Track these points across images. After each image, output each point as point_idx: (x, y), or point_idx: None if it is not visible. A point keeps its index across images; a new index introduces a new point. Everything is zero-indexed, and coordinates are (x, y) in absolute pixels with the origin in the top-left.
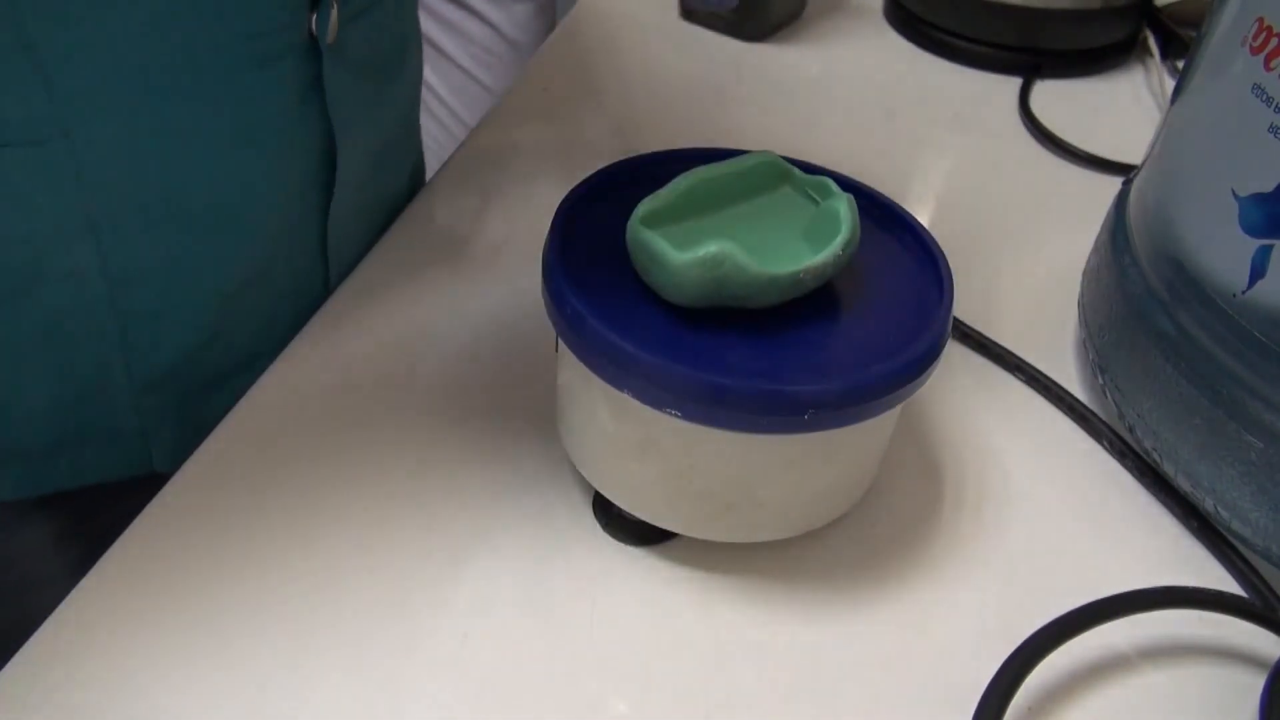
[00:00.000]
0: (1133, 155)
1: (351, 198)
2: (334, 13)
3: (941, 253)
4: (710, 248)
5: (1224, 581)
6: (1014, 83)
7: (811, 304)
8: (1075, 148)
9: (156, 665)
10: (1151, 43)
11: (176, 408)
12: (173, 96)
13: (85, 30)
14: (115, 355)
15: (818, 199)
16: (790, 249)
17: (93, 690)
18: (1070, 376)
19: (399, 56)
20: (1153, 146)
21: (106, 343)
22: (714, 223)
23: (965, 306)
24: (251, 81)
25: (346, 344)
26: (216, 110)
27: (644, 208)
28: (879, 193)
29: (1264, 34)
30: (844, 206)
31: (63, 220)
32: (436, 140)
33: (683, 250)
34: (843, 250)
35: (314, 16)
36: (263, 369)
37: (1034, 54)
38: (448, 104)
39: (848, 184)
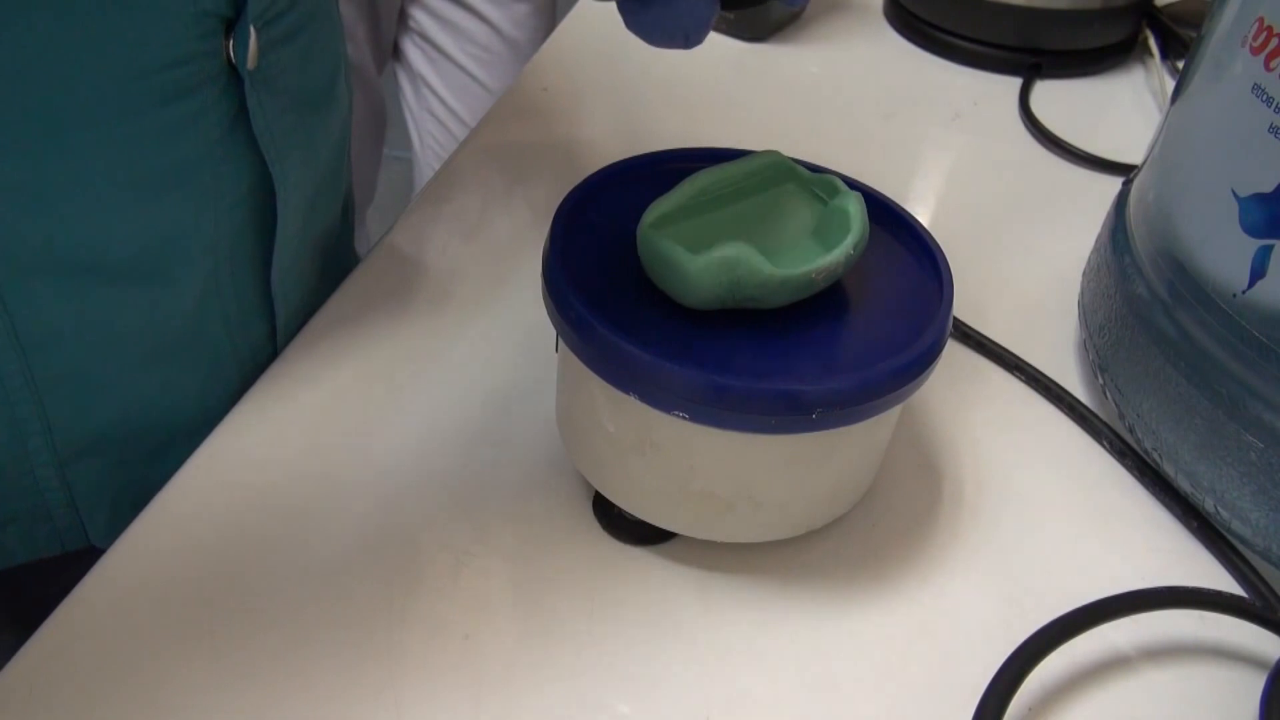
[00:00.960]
0: (1133, 155)
1: (292, 238)
2: (253, 37)
3: (941, 251)
4: (725, 251)
5: (1224, 581)
6: (1014, 83)
7: (812, 304)
8: (1075, 148)
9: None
10: (1151, 43)
11: (111, 479)
12: (80, 138)
13: None
14: (34, 425)
15: (825, 198)
16: (800, 248)
17: None
18: (1070, 376)
19: (329, 85)
20: (1153, 146)
21: (22, 411)
22: (723, 224)
23: (965, 306)
24: (168, 116)
25: (337, 356)
26: (131, 150)
27: (654, 211)
28: (879, 192)
29: (1264, 34)
30: (853, 205)
31: None
32: (436, 140)
33: (695, 253)
34: (854, 249)
35: (230, 42)
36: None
37: (1034, 54)
38: (448, 104)
39: (848, 184)
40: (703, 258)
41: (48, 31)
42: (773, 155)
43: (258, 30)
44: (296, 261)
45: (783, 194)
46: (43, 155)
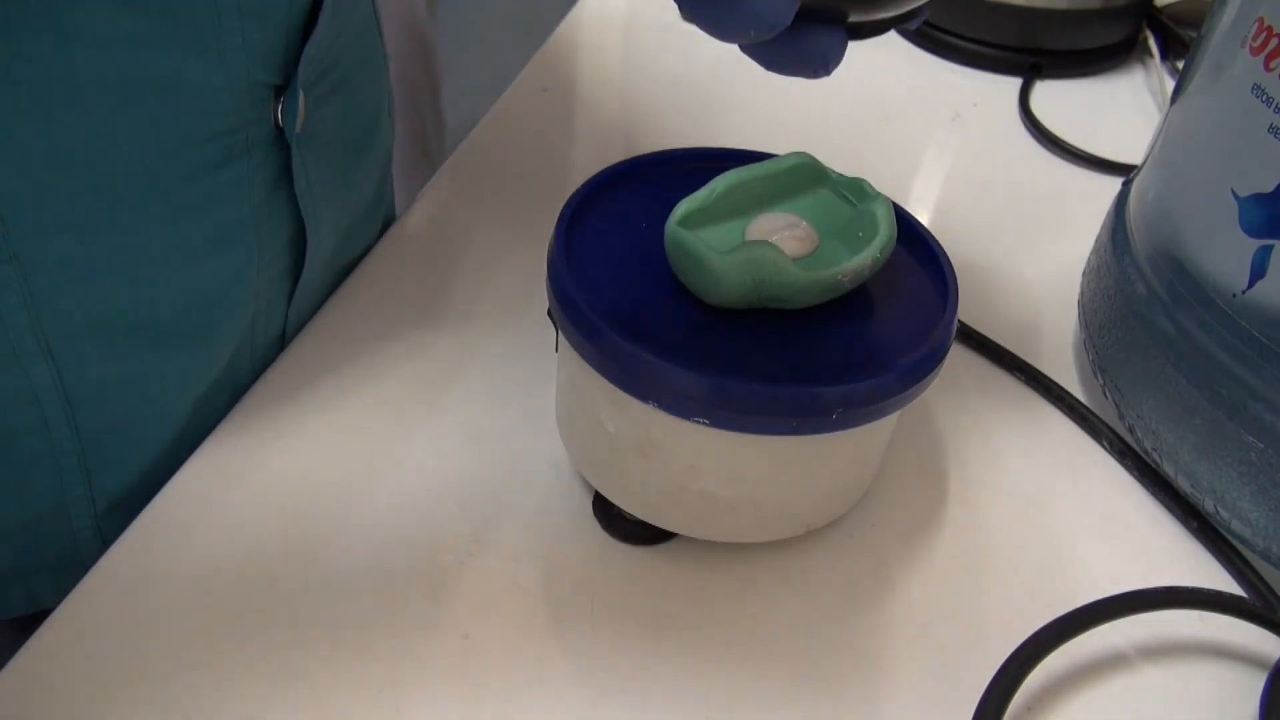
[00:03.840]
0: (1133, 155)
1: (316, 274)
2: (301, 99)
3: (943, 251)
4: (752, 250)
5: (1224, 581)
6: (1014, 83)
7: (815, 305)
8: (1075, 148)
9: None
10: (1151, 43)
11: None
12: (131, 210)
13: (29, 148)
14: (75, 477)
15: (854, 201)
16: (827, 250)
17: None
18: (1070, 376)
19: (372, 126)
20: (1153, 146)
21: (65, 464)
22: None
23: (965, 306)
24: (215, 183)
25: (337, 356)
26: (179, 218)
27: (682, 209)
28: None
29: (1264, 34)
30: (881, 209)
31: (14, 343)
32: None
33: (722, 252)
34: (880, 252)
35: (279, 106)
36: None
37: (1034, 54)
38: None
39: None
40: (729, 256)
41: (105, 114)
42: (802, 157)
43: (306, 92)
44: (319, 291)
45: (813, 197)
46: (95, 232)
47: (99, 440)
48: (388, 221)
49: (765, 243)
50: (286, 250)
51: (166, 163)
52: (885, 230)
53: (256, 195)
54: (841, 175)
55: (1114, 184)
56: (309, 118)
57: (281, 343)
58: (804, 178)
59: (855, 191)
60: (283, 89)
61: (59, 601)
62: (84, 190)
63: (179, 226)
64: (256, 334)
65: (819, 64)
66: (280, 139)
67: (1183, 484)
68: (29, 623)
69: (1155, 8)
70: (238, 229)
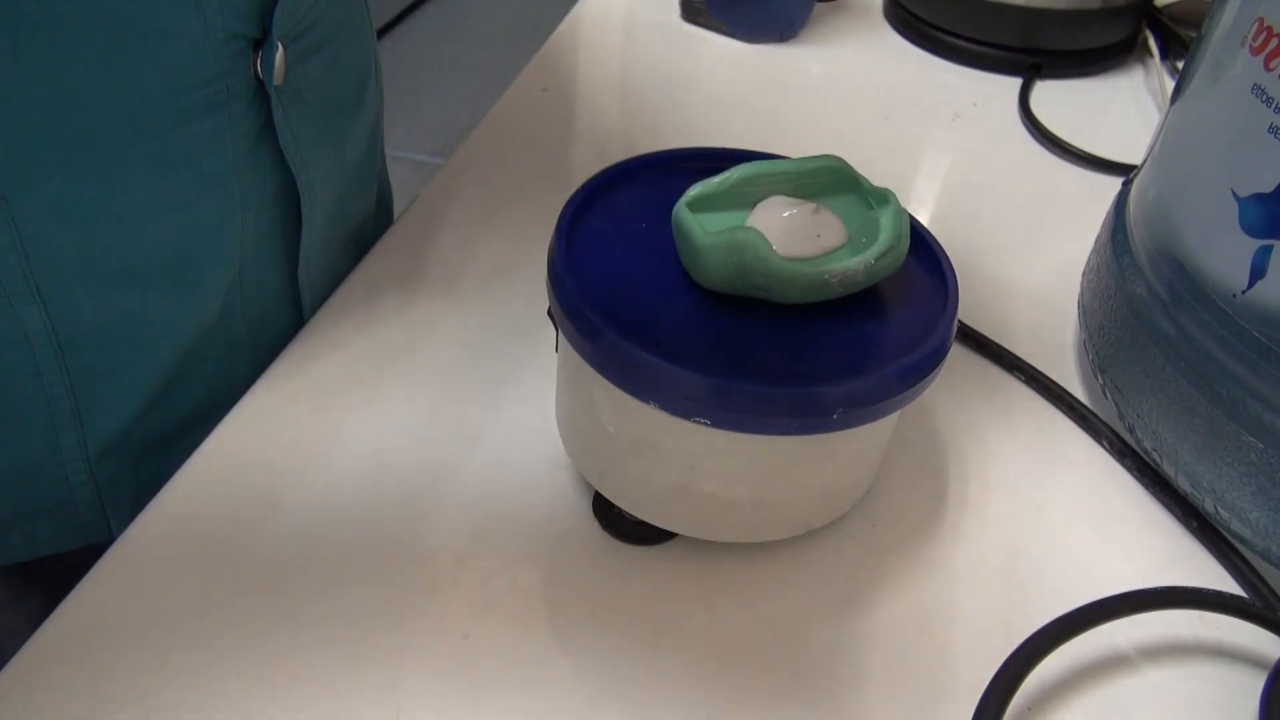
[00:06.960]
0: (1133, 155)
1: (319, 236)
2: (279, 53)
3: (944, 251)
4: (735, 234)
5: (1224, 581)
6: (1014, 83)
7: (815, 305)
8: (1075, 148)
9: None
10: (1151, 43)
11: (132, 473)
12: (114, 153)
13: (16, 90)
14: (67, 421)
15: (874, 207)
16: (838, 252)
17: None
18: (1070, 376)
19: (358, 90)
20: (1153, 146)
21: (57, 408)
22: None
23: (965, 306)
24: (197, 131)
25: (336, 356)
26: (162, 164)
27: (694, 191)
28: None
29: (1264, 34)
30: (889, 218)
31: (5, 285)
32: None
33: (714, 235)
34: (876, 259)
35: (258, 58)
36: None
37: (1034, 54)
38: None
39: None
40: (712, 237)
41: (87, 58)
42: (831, 160)
43: (285, 46)
44: (325, 256)
45: (838, 201)
46: (82, 175)
47: (89, 383)
48: (383, 193)
49: (751, 229)
50: (274, 204)
51: (148, 108)
52: (885, 239)
53: (239, 146)
54: (871, 184)
55: (1114, 184)
56: (291, 73)
57: (296, 309)
58: (832, 180)
59: (877, 199)
60: (261, 41)
61: (56, 550)
62: (70, 133)
63: (162, 172)
64: (247, 288)
65: (785, 26)
66: (262, 91)
67: (1183, 484)
68: (27, 571)
69: (1155, 8)
70: (221, 178)
